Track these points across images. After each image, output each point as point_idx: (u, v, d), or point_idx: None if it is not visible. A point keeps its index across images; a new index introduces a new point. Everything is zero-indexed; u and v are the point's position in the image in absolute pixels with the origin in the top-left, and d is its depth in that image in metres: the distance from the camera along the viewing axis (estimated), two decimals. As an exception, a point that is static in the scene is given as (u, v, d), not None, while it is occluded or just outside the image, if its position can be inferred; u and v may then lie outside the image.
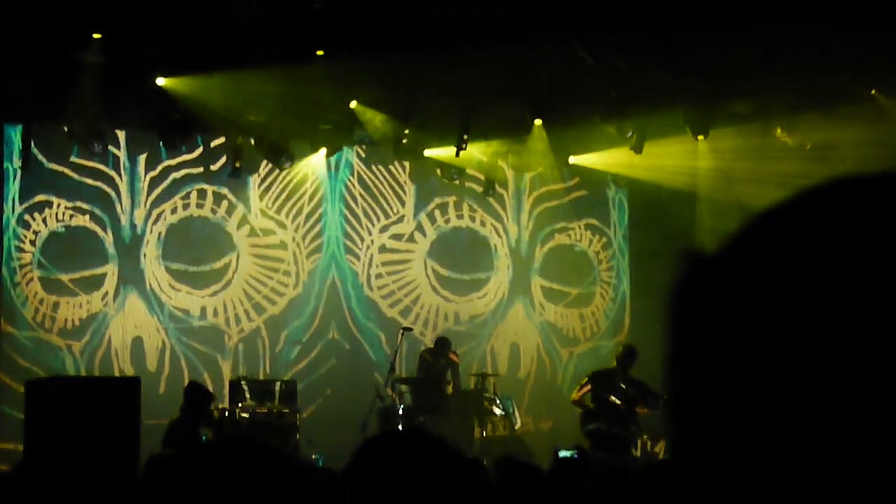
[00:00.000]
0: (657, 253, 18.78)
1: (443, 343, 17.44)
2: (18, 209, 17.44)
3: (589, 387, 15.96)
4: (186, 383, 14.98)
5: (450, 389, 16.98)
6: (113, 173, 17.98)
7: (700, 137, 18.50)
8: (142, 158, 18.14)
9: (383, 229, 19.61)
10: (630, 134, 18.29)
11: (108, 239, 17.91)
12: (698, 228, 18.83)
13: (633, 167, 19.43)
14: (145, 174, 18.19)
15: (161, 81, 16.18)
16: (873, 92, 17.31)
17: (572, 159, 19.81)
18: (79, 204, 17.70)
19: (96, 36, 15.14)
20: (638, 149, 18.50)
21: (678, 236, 18.35)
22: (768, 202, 0.93)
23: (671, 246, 18.33)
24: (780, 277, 0.86)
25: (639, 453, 15.23)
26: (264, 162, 18.40)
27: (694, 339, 0.91)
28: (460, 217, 20.04)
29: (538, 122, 18.34)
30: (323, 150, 18.63)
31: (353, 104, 17.53)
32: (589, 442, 15.22)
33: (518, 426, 17.16)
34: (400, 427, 14.82)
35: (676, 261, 0.94)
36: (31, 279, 17.43)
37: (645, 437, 15.38)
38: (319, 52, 15.93)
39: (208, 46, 15.27)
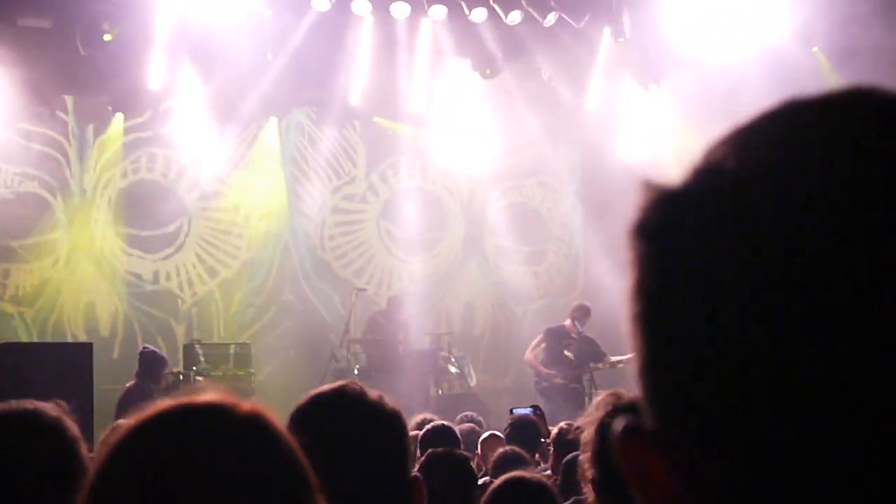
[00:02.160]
0: (609, 209, 18.81)
1: (397, 302, 17.45)
2: (-34, 176, 17.29)
3: (543, 344, 16.03)
4: (140, 348, 14.91)
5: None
6: (61, 138, 17.82)
7: (651, 85, 18.49)
8: (90, 123, 17.99)
9: (335, 190, 19.56)
10: (580, 92, 18.32)
11: (58, 205, 17.77)
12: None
13: (583, 125, 19.44)
14: (94, 139, 18.05)
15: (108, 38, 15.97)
16: (815, 49, 17.35)
17: (522, 119, 19.80)
18: (27, 170, 17.54)
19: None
20: (589, 109, 18.56)
21: (630, 193, 18.36)
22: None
23: (623, 201, 18.36)
24: (749, 206, 0.84)
25: (593, 408, 15.29)
26: (215, 124, 18.28)
27: (662, 273, 0.89)
28: (412, 177, 20.01)
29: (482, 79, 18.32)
30: (273, 113, 18.56)
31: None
32: (542, 398, 15.28)
33: (473, 384, 17.20)
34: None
35: (637, 194, 0.92)
36: (-19, 247, 17.30)
37: (600, 392, 15.43)
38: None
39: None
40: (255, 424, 1.77)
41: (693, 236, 0.87)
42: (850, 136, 0.85)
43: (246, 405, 1.79)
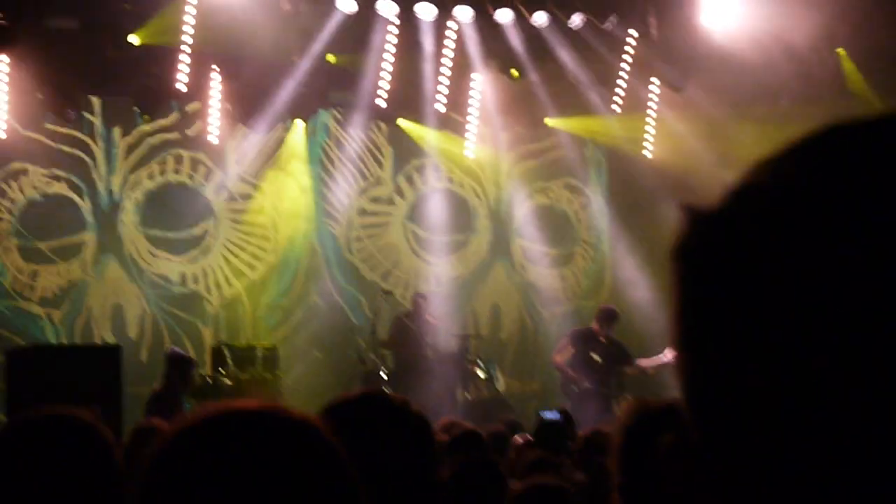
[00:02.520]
0: (637, 212, 18.80)
1: (422, 299, 17.35)
2: (-6, 178, 17.37)
3: (569, 346, 16.01)
4: (167, 350, 14.92)
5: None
6: (88, 140, 17.90)
7: (677, 86, 18.42)
8: (117, 125, 18.05)
9: (362, 192, 19.57)
10: (606, 93, 18.30)
11: (86, 206, 17.84)
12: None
13: (612, 129, 19.41)
14: (120, 140, 18.11)
15: (135, 40, 16.03)
16: (839, 50, 17.28)
17: (549, 121, 19.77)
18: (55, 171, 17.62)
19: None
20: (616, 111, 18.51)
21: (658, 195, 18.32)
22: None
23: (651, 205, 18.36)
24: (790, 229, 0.85)
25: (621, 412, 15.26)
26: (241, 126, 18.30)
27: (703, 294, 0.90)
28: (439, 179, 20.01)
29: (515, 74, 18.26)
30: (299, 115, 18.57)
31: (330, 57, 17.47)
32: (570, 401, 15.26)
33: (501, 388, 17.17)
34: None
35: (678, 216, 0.93)
36: (10, 248, 17.35)
37: (628, 396, 15.41)
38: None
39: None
40: (309, 430, 1.76)
41: (734, 258, 0.88)
42: (889, 162, 0.85)
43: (296, 412, 1.78)
